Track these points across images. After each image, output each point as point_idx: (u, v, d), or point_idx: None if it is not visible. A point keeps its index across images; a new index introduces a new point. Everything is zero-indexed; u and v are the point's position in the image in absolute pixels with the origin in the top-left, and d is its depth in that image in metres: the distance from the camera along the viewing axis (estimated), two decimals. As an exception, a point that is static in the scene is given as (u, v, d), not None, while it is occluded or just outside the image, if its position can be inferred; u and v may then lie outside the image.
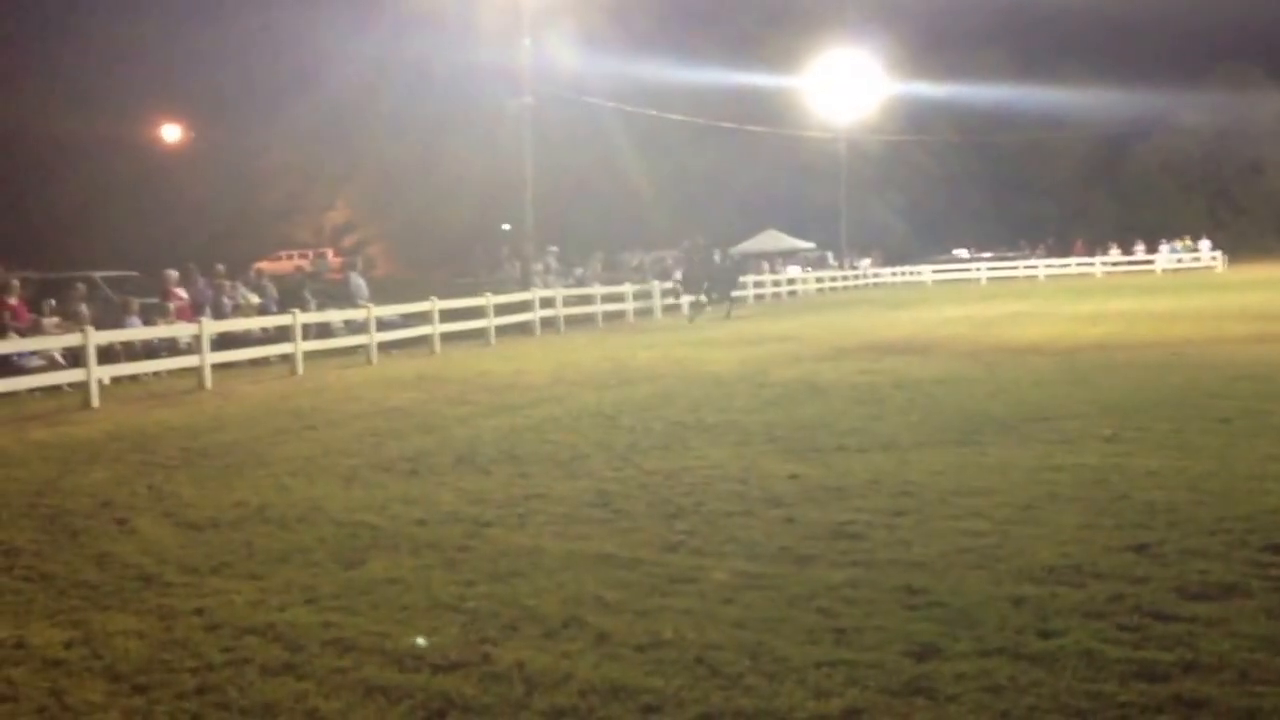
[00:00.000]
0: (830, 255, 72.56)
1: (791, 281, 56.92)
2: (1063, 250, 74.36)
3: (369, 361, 23.55)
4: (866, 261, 73.39)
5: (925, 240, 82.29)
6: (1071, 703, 4.86)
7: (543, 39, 42.32)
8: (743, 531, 7.98)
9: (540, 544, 7.86)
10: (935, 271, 68.62)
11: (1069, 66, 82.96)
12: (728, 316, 36.39)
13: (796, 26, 76.84)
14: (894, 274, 68.96)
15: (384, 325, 25.65)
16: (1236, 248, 67.42)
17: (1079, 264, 68.46)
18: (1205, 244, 69.24)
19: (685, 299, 37.89)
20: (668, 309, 39.47)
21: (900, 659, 5.46)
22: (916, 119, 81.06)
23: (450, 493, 9.69)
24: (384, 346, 24.72)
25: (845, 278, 63.81)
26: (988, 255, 75.04)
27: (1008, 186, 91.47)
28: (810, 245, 72.76)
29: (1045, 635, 5.67)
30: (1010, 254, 74.25)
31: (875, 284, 65.25)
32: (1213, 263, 65.03)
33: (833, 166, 69.00)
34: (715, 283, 37.70)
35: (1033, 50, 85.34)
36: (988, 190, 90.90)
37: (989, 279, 64.76)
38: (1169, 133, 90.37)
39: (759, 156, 77.78)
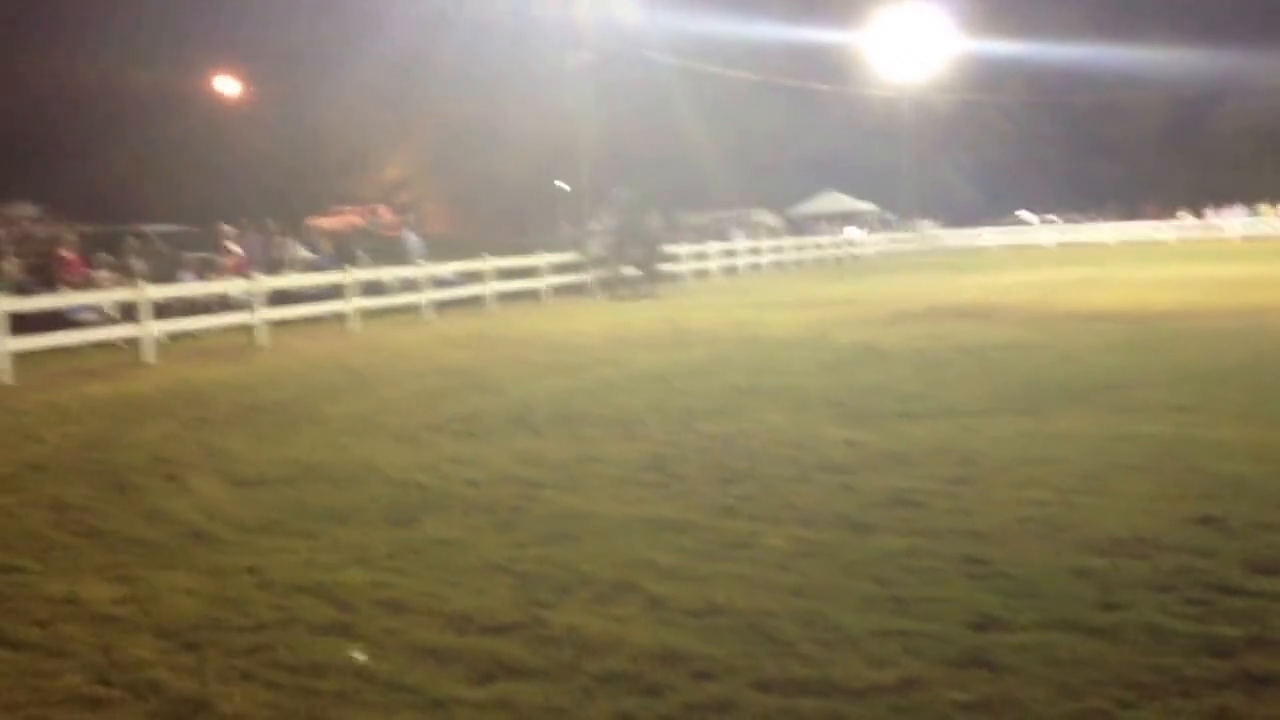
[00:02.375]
0: (892, 217, 71.86)
1: (852, 244, 56.40)
2: (1132, 214, 73.06)
3: (423, 320, 23.55)
4: (928, 223, 72.64)
5: (992, 203, 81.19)
6: (1134, 677, 4.73)
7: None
8: (799, 497, 7.85)
9: (594, 507, 7.78)
10: (1000, 234, 67.70)
11: (1146, 25, 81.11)
12: (647, 295, 29.60)
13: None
14: (957, 237, 68.12)
15: (438, 283, 25.63)
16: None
17: (1150, 228, 67.19)
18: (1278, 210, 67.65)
19: (598, 273, 31.19)
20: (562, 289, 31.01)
21: (959, 629, 5.35)
22: (987, 77, 79.67)
23: (503, 453, 9.63)
24: (438, 305, 24.69)
25: (906, 240, 63.17)
26: (1052, 218, 73.91)
27: (1079, 148, 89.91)
28: (871, 207, 72.10)
29: (1108, 608, 5.53)
30: (1077, 216, 73.08)
31: (939, 247, 64.55)
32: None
33: (897, 126, 68.20)
34: (642, 253, 31.05)
35: (1109, 7, 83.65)
36: (1058, 152, 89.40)
37: (1058, 243, 63.83)
38: (1246, 95, 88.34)
39: (823, 116, 77.07)
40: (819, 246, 50.76)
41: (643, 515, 7.52)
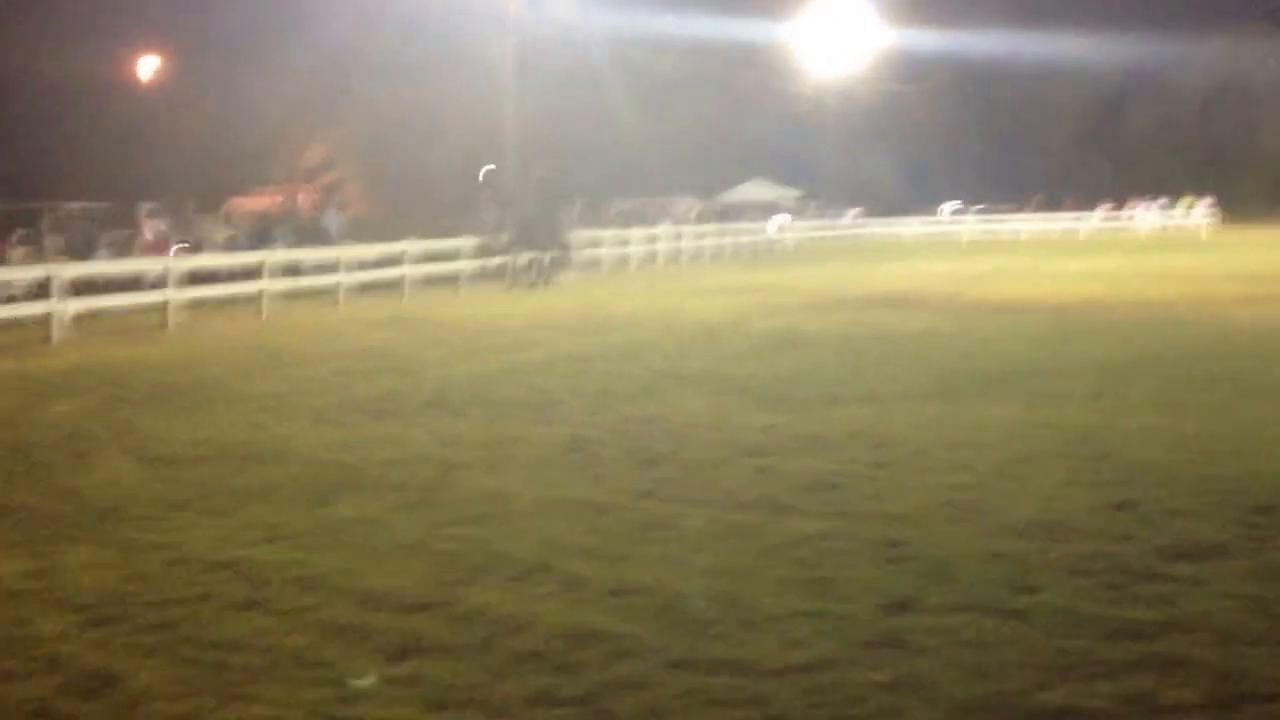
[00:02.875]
0: (815, 205, 72.22)
1: (777, 230, 56.53)
2: (1054, 207, 74.02)
3: (339, 302, 23.26)
4: (853, 212, 73.10)
5: (917, 193, 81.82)
6: (1047, 659, 4.77)
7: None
8: (719, 480, 7.87)
9: (512, 488, 7.73)
10: (922, 224, 68.29)
11: (1069, 16, 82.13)
12: (545, 284, 27.59)
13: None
14: (879, 226, 68.61)
15: (358, 266, 25.31)
16: (1228, 209, 66.97)
17: (1067, 221, 68.13)
18: (1204, 203, 68.59)
19: (500, 259, 28.36)
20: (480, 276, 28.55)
21: (874, 611, 5.37)
22: (911, 68, 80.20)
23: (421, 434, 9.56)
24: (357, 288, 24.40)
25: (831, 228, 63.51)
26: (977, 208, 74.67)
27: (1002, 141, 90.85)
28: (796, 193, 72.40)
29: (1023, 591, 5.58)
30: (1000, 209, 73.88)
31: (860, 236, 65.01)
32: (1202, 222, 64.57)
33: (823, 116, 68.56)
34: (543, 239, 28.45)
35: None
36: (982, 144, 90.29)
37: (976, 234, 64.56)
38: (1165, 90, 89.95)
39: (751, 105, 77.30)
40: (743, 234, 50.82)
41: (562, 497, 7.49)
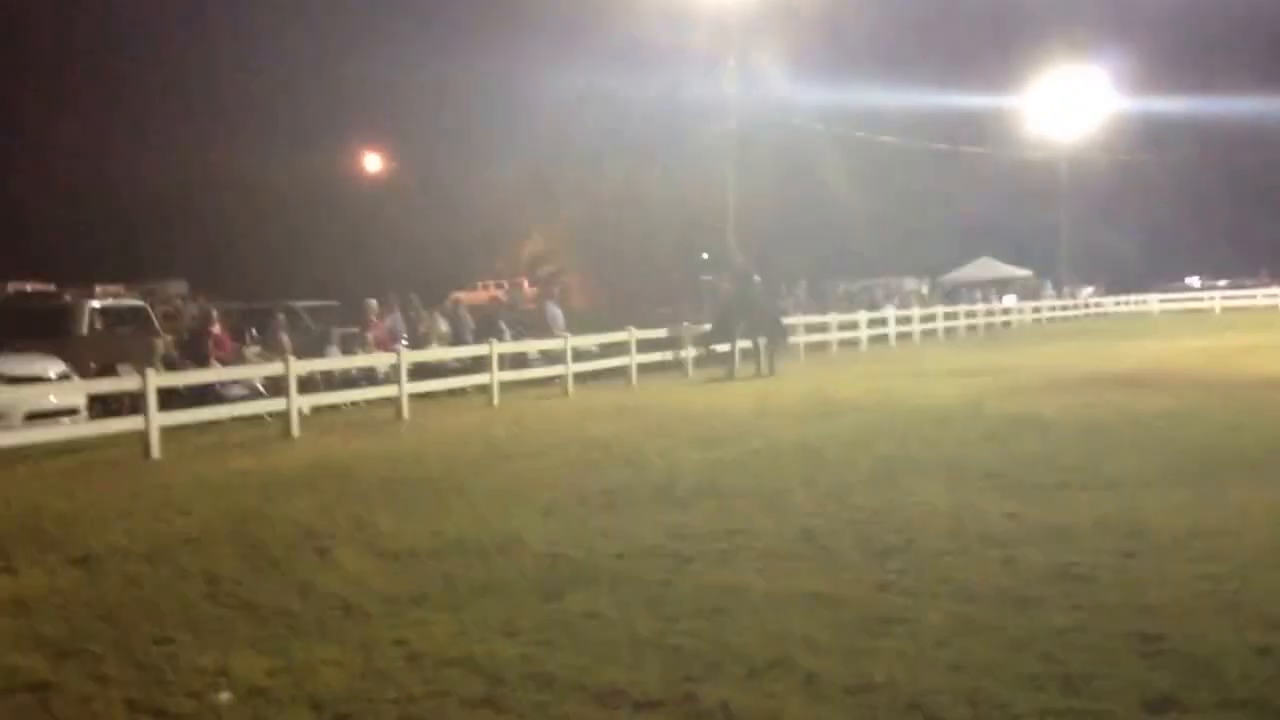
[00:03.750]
0: (1049, 283, 70.36)
1: (1007, 311, 55.25)
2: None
3: (565, 392, 23.59)
4: (1088, 290, 70.89)
5: (1156, 267, 78.85)
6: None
7: (747, 62, 42.11)
8: (958, 572, 7.59)
9: (744, 581, 7.61)
10: (1164, 301, 65.66)
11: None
12: (770, 373, 26.59)
13: (1017, 41, 74.86)
14: (1118, 304, 66.27)
15: (580, 356, 25.65)
16: None
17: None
18: None
19: (718, 347, 27.61)
20: (703, 360, 28.29)
21: (1133, 710, 5.11)
22: (1149, 136, 77.59)
23: (650, 526, 9.50)
24: (580, 377, 24.73)
25: (1065, 307, 61.69)
26: (1222, 284, 71.45)
27: (1249, 208, 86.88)
28: (1028, 273, 70.68)
29: (1295, 688, 5.19)
30: (1248, 282, 70.45)
31: (1097, 314, 62.99)
32: None
33: (1054, 189, 66.83)
34: (758, 326, 27.48)
35: (1275, 59, 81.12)
36: (1226, 213, 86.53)
37: (1224, 309, 61.72)
38: None
39: (976, 180, 76.05)
40: (972, 314, 49.82)
41: (794, 590, 7.33)
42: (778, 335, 27.81)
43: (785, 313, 29.08)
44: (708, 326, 28.37)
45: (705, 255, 32.12)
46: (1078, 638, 6.09)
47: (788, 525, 9.31)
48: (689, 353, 28.10)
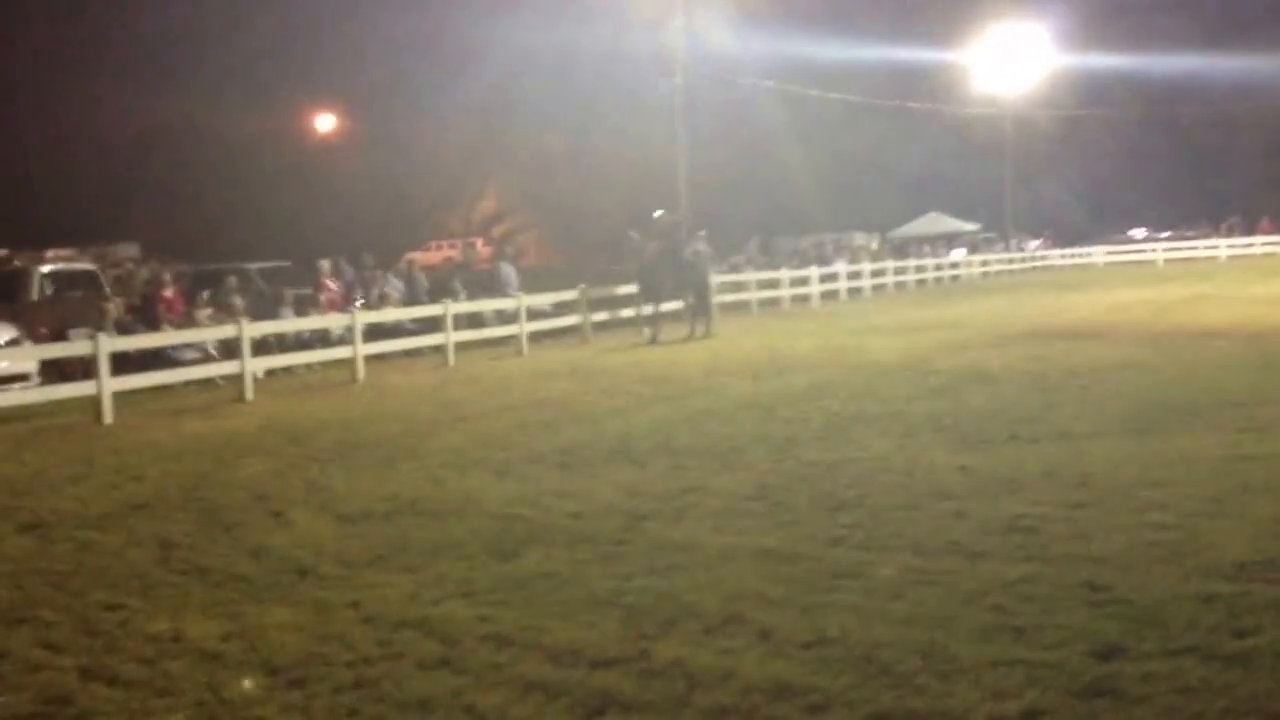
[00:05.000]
0: (996, 236, 70.85)
1: (955, 265, 55.58)
2: (1248, 229, 71.08)
3: (519, 352, 23.55)
4: (1035, 243, 71.43)
5: (1101, 220, 79.55)
6: (1270, 705, 4.56)
7: (693, 19, 41.83)
8: (910, 525, 7.67)
9: (698, 538, 7.66)
10: (1109, 253, 66.27)
11: (1254, 33, 79.03)
12: (706, 334, 25.29)
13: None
14: (1064, 256, 66.84)
15: (534, 315, 25.57)
16: None
17: (1265, 243, 65.28)
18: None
19: (644, 309, 26.22)
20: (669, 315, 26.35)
21: (1083, 659, 5.18)
22: (1092, 92, 77.99)
23: (605, 485, 9.53)
24: (535, 337, 24.68)
25: (1012, 260, 62.14)
26: (1165, 235, 72.26)
27: (1190, 162, 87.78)
28: (975, 227, 71.11)
29: (1239, 634, 5.34)
30: (1190, 233, 71.31)
31: (1045, 267, 63.52)
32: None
33: (999, 145, 67.14)
34: (683, 286, 26.29)
35: (1215, 16, 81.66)
36: (1169, 166, 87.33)
37: (1167, 260, 62.42)
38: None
39: (922, 136, 76.31)
40: (921, 269, 50.11)
41: (748, 546, 7.38)
42: (703, 295, 26.47)
43: (705, 274, 26.92)
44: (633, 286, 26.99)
45: (659, 213, 31.65)
46: (1028, 589, 6.16)
47: (741, 481, 9.36)
48: (641, 308, 27.50)
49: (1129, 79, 78.66)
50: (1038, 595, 6.06)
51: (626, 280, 27.69)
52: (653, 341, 24.41)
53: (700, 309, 26.30)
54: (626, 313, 27.73)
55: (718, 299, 28.92)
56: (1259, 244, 65.20)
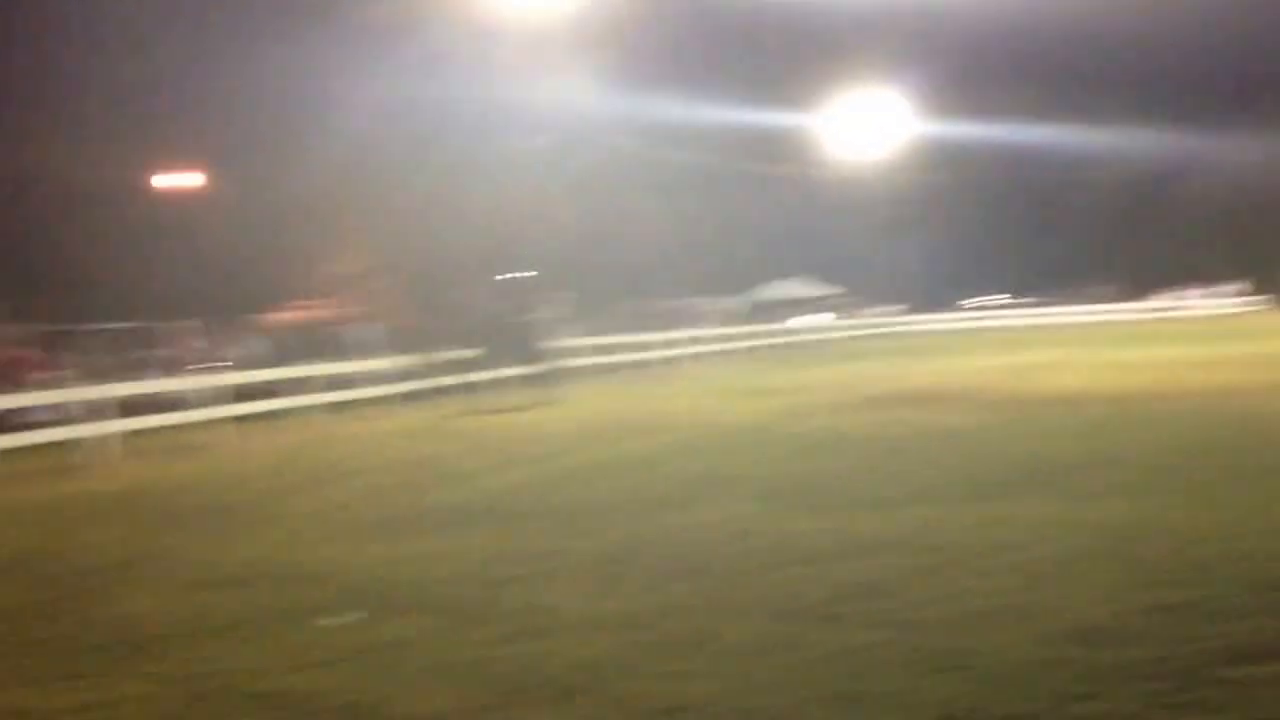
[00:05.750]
0: (856, 300, 72.28)
1: (814, 330, 56.52)
2: (1096, 294, 73.60)
3: (381, 414, 23.28)
4: (896, 307, 73.02)
5: (961, 285, 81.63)
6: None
7: (562, 80, 42.13)
8: (767, 589, 7.74)
9: (558, 602, 7.63)
10: (967, 318, 67.98)
11: (1105, 104, 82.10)
12: (551, 398, 24.40)
13: (827, 65, 76.64)
14: (925, 320, 68.39)
15: (396, 376, 25.28)
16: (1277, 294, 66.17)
17: (1119, 308, 67.55)
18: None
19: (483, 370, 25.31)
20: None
21: (932, 725, 5.21)
22: (951, 158, 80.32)
23: (466, 549, 9.46)
24: (397, 398, 24.40)
25: (874, 324, 63.40)
26: (1022, 301, 74.48)
27: (1043, 229, 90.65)
28: (838, 290, 72.45)
29: (1085, 698, 5.43)
30: (1047, 299, 73.56)
31: (905, 331, 64.90)
32: (1258, 308, 63.66)
33: (859, 209, 68.65)
34: (526, 347, 25.42)
35: (1068, 87, 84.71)
36: (1023, 232, 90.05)
37: (1024, 325, 64.15)
38: (1207, 173, 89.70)
39: (784, 200, 77.60)
40: (778, 332, 50.83)
41: (608, 611, 7.38)
42: (546, 358, 25.78)
43: (548, 333, 26.25)
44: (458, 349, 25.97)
45: (506, 274, 31.48)
46: (880, 653, 6.24)
47: (603, 545, 9.36)
48: (512, 373, 27.08)
49: (987, 146, 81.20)
50: (888, 660, 6.12)
51: (472, 339, 27.02)
52: (502, 406, 23.72)
53: (545, 372, 25.77)
54: (491, 374, 27.55)
55: (581, 361, 28.94)
56: (1115, 310, 67.46)
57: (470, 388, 25.87)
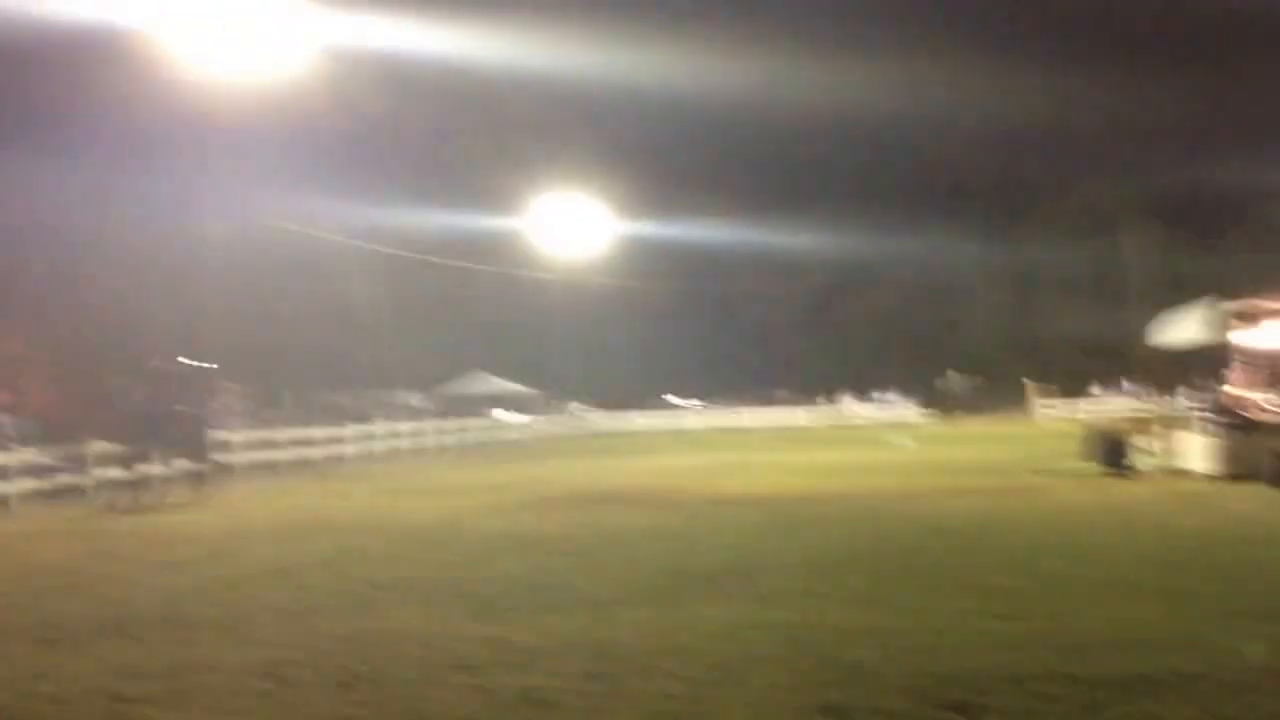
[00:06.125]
0: (548, 398, 72.66)
1: (499, 427, 56.33)
2: (780, 399, 76.54)
3: (10, 512, 21.52)
4: (578, 406, 73.77)
5: (649, 386, 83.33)
6: None
7: (239, 168, 41.06)
8: (424, 701, 7.38)
9: (191, 721, 7.01)
10: (650, 418, 69.41)
11: (787, 212, 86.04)
12: (202, 496, 23.65)
13: (523, 164, 77.63)
14: (613, 420, 69.41)
15: (33, 470, 23.34)
16: (938, 402, 70.12)
17: (793, 413, 70.43)
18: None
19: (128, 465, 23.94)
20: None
21: None
22: (641, 260, 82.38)
23: (93, 663, 8.65)
24: (31, 495, 22.60)
25: (561, 423, 63.80)
26: (707, 404, 76.75)
27: (727, 332, 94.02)
28: (522, 388, 72.60)
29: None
30: (732, 402, 76.07)
31: (593, 431, 65.56)
32: (916, 415, 67.41)
33: (550, 309, 69.36)
34: (173, 441, 24.39)
35: (750, 196, 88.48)
36: (710, 335, 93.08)
37: (709, 427, 65.94)
38: (877, 285, 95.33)
39: (474, 297, 77.66)
40: (465, 429, 50.44)
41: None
42: (199, 452, 24.67)
43: (204, 427, 25.10)
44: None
45: (214, 365, 30.18)
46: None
47: (249, 656, 8.75)
48: (159, 468, 25.48)
49: (676, 250, 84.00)
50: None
51: (115, 432, 24.91)
52: (137, 505, 22.44)
53: (206, 469, 24.66)
54: (145, 470, 25.84)
55: (245, 456, 27.76)
56: (787, 413, 70.28)
57: (123, 485, 24.20)
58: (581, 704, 7.20)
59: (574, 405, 73.32)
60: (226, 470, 26.06)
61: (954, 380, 63.25)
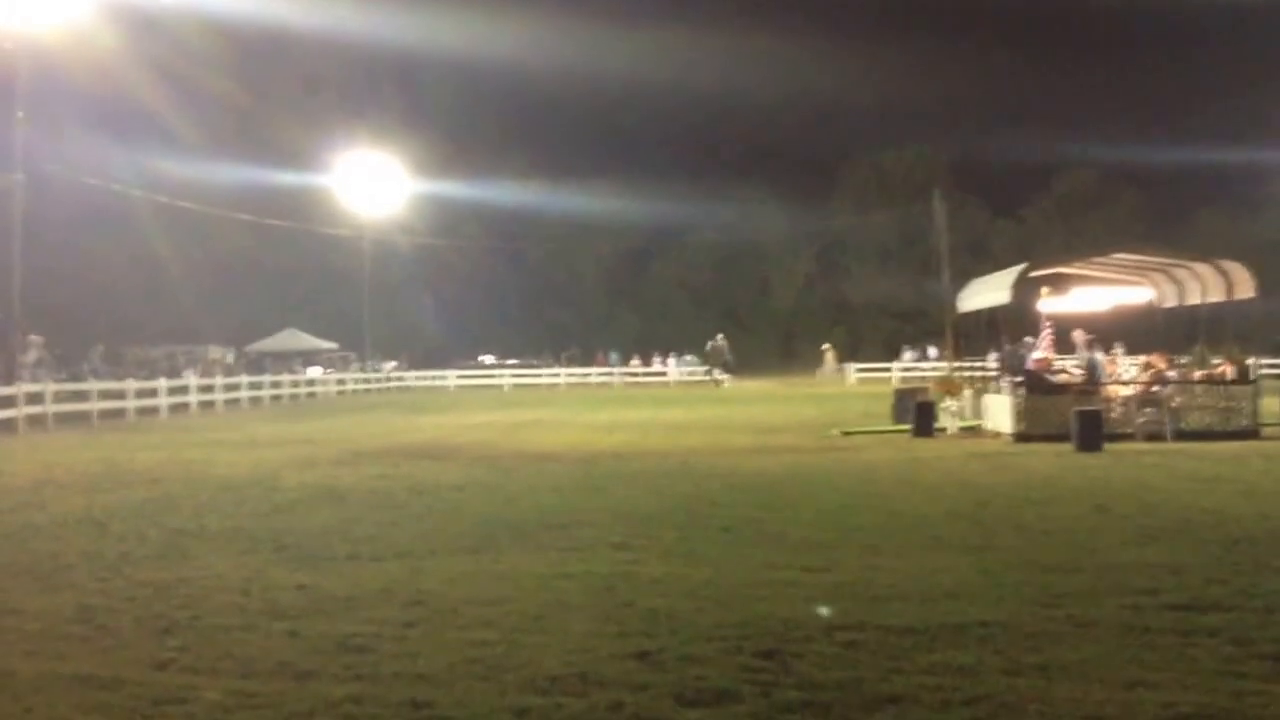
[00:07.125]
0: (354, 356, 71.96)
1: (311, 383, 55.71)
2: (587, 360, 77.15)
3: None
4: (391, 364, 73.26)
5: (454, 345, 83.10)
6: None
7: (45, 115, 39.48)
8: (240, 646, 7.54)
9: (10, 665, 7.10)
10: (461, 377, 69.34)
11: (598, 174, 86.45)
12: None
13: (326, 122, 76.49)
14: (419, 378, 69.16)
15: None
16: (742, 364, 71.66)
17: (600, 374, 71.15)
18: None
19: None
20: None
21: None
22: (448, 221, 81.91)
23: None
24: None
25: (369, 380, 63.34)
26: (512, 362, 76.90)
27: (536, 293, 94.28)
28: (333, 345, 71.77)
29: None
30: (535, 361, 76.40)
31: (400, 387, 65.20)
32: (723, 376, 68.73)
33: (360, 266, 68.60)
34: None
35: (556, 154, 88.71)
36: (517, 296, 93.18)
37: (513, 385, 66.21)
38: (686, 249, 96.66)
39: (287, 253, 76.32)
40: (276, 385, 49.79)
41: (65, 672, 6.95)
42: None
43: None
44: None
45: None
46: (352, 708, 6.25)
47: (63, 603, 8.79)
48: None
49: (480, 210, 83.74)
50: (362, 715, 6.16)
51: None
52: None
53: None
54: None
55: (56, 408, 27.12)
56: (595, 374, 70.92)
57: None
58: (397, 649, 7.43)
59: (389, 363, 72.82)
60: (32, 421, 25.29)
61: (721, 343, 64.63)
